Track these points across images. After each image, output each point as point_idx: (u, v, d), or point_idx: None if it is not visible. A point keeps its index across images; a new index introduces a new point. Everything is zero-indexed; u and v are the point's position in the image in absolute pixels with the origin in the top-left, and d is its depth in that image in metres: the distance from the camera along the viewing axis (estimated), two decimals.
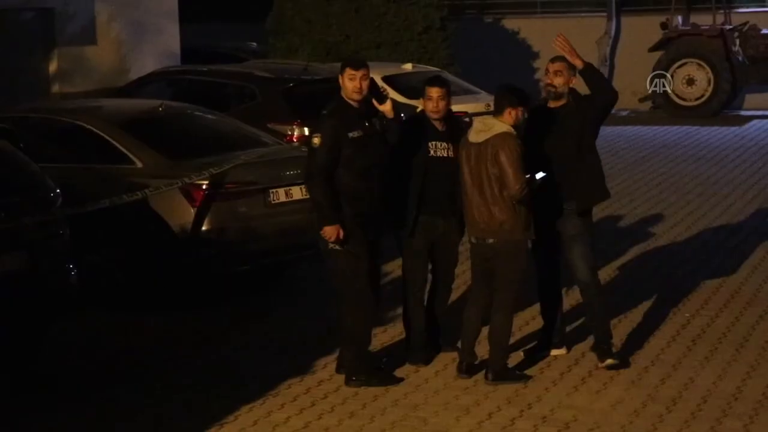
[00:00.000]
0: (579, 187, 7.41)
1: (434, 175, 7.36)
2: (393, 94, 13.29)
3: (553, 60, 7.41)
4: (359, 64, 7.15)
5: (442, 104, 7.38)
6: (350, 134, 7.02)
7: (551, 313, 7.77)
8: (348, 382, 7.20)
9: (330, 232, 7.01)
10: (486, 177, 7.05)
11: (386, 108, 7.20)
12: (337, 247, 7.05)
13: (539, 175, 7.12)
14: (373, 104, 7.20)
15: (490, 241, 7.16)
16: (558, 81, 7.32)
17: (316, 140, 7.10)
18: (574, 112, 7.37)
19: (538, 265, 7.69)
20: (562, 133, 7.34)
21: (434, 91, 7.37)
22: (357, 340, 7.22)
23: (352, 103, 7.12)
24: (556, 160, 7.31)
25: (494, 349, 7.24)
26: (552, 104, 7.41)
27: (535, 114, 7.43)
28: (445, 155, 7.38)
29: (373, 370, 7.27)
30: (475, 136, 7.15)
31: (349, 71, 7.08)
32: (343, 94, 7.15)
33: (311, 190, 7.17)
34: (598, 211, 12.58)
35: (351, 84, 7.07)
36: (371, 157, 7.11)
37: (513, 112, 7.08)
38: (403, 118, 7.59)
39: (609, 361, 7.43)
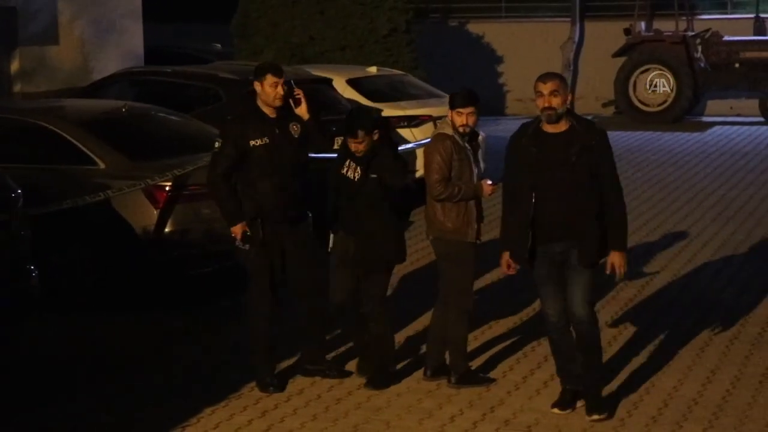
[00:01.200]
0: (588, 236, 6.50)
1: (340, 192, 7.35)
2: (357, 97, 13.44)
3: (545, 78, 6.50)
4: (281, 71, 7.15)
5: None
6: (252, 142, 7.04)
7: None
8: (259, 387, 7.24)
9: (236, 231, 7.12)
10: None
11: (302, 110, 7.21)
12: (243, 246, 7.13)
13: (494, 182, 7.18)
14: (289, 108, 7.19)
15: (430, 238, 7.28)
16: (556, 102, 6.43)
17: (216, 145, 7.21)
18: (583, 137, 6.47)
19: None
20: (568, 165, 6.44)
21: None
22: (256, 341, 7.27)
23: (266, 110, 7.13)
24: (560, 198, 6.47)
25: (452, 352, 7.25)
26: (550, 129, 6.50)
27: (534, 140, 6.52)
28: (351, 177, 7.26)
29: (269, 383, 7.22)
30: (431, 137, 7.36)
31: (271, 78, 7.08)
32: (259, 100, 7.15)
33: (212, 194, 7.30)
34: None
35: (273, 91, 7.08)
36: (278, 164, 7.08)
37: (451, 114, 7.07)
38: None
39: (596, 416, 6.68)
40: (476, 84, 20.93)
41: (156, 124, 10.14)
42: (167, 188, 8.85)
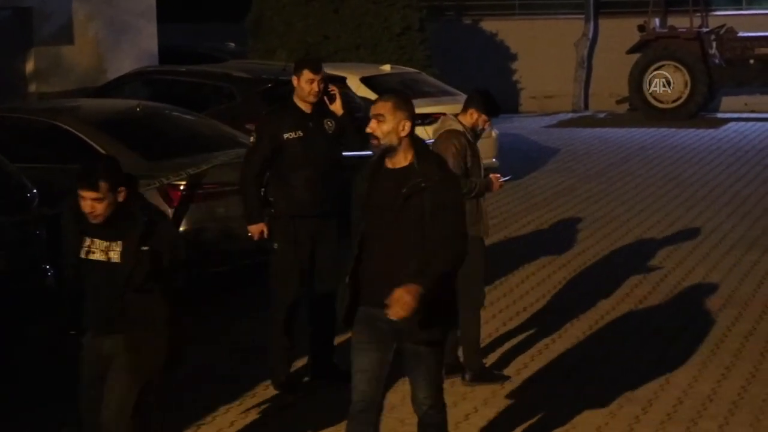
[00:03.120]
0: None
1: None
2: (371, 95, 13.45)
3: (377, 99, 5.38)
4: (318, 67, 7.14)
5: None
6: (286, 135, 7.05)
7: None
8: (274, 386, 7.22)
9: (253, 230, 7.16)
10: None
11: (336, 107, 7.22)
12: (274, 246, 7.15)
13: (505, 177, 7.18)
14: (325, 104, 7.20)
15: None
16: (382, 129, 5.21)
17: (251, 140, 7.28)
18: (417, 176, 5.19)
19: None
20: (393, 211, 5.20)
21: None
22: (275, 340, 7.23)
23: (301, 105, 7.14)
24: (382, 252, 5.23)
25: (466, 349, 7.26)
26: (389, 163, 5.29)
27: (370, 174, 5.32)
28: None
29: (285, 382, 7.18)
30: (433, 133, 7.36)
31: (308, 74, 7.09)
32: (295, 94, 7.16)
33: (240, 188, 7.29)
34: (574, 213, 12.67)
35: (309, 87, 7.08)
36: (312, 158, 7.07)
37: (475, 115, 7.12)
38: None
39: None
40: (490, 82, 20.96)
41: (170, 124, 10.17)
42: (182, 187, 8.88)
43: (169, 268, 5.38)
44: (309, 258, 7.15)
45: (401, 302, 4.96)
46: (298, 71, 7.12)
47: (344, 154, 7.44)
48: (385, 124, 5.22)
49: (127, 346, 5.31)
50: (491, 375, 7.31)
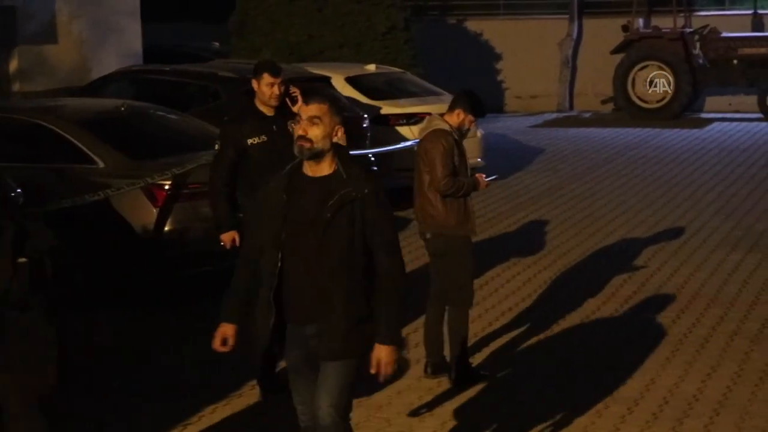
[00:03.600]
0: (334, 320, 4.91)
1: None
2: (356, 95, 13.44)
3: (308, 100, 5.07)
4: (278, 70, 7.09)
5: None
6: (249, 140, 7.02)
7: None
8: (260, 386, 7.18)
9: (225, 239, 7.10)
10: (418, 171, 7.18)
11: (297, 108, 7.06)
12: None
13: (490, 177, 7.21)
14: (287, 107, 7.13)
15: (428, 236, 7.25)
16: (315, 132, 4.88)
17: (216, 147, 7.24)
18: (346, 186, 4.86)
19: None
20: (321, 224, 4.87)
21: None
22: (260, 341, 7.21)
23: (263, 108, 7.11)
24: (308, 266, 4.91)
25: (454, 348, 7.26)
26: (309, 171, 4.94)
27: (287, 183, 4.97)
28: None
29: (265, 378, 7.13)
30: (419, 133, 7.37)
31: (267, 77, 7.04)
32: (257, 99, 7.13)
33: (209, 197, 7.25)
34: (559, 212, 12.69)
35: (269, 90, 7.04)
36: (277, 162, 6.87)
37: (461, 115, 7.12)
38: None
39: None
40: (475, 81, 20.97)
41: (155, 123, 10.14)
42: (167, 187, 8.85)
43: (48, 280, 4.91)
44: None
45: (389, 361, 4.94)
46: (257, 75, 7.09)
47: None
48: (320, 128, 4.88)
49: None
50: (477, 375, 7.31)
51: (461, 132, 7.18)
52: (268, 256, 4.94)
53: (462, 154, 7.13)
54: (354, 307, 4.89)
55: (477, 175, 7.27)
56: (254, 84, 7.14)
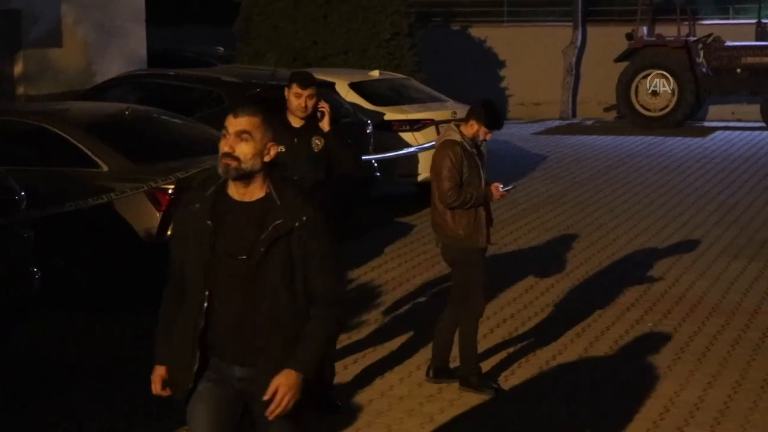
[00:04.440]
0: (266, 369, 4.29)
1: None
2: (360, 100, 13.45)
3: (237, 112, 4.29)
4: (307, 82, 6.83)
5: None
6: None
7: None
8: None
9: None
10: (432, 181, 7.18)
11: (323, 124, 6.91)
12: None
13: (507, 187, 7.17)
14: (316, 121, 6.89)
15: (439, 245, 7.28)
16: (243, 150, 4.22)
17: None
18: (281, 214, 4.25)
19: None
20: (253, 256, 4.25)
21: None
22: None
23: (291, 119, 6.86)
24: (238, 303, 4.30)
25: (462, 357, 7.26)
26: (236, 194, 4.29)
27: (211, 206, 4.30)
28: None
29: None
30: (436, 142, 7.34)
31: (295, 88, 6.82)
32: (288, 108, 6.90)
33: None
34: (562, 220, 12.69)
35: (296, 101, 6.83)
36: (294, 175, 6.76)
37: (475, 126, 7.07)
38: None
39: None
40: (477, 88, 20.96)
41: (159, 127, 10.16)
42: (170, 191, 8.87)
43: None
44: None
45: (288, 390, 4.17)
46: (288, 84, 6.88)
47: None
48: (250, 145, 4.21)
49: None
50: (481, 383, 7.25)
51: (476, 143, 7.11)
52: (193, 293, 4.29)
53: (474, 164, 7.06)
54: (291, 351, 4.23)
55: (493, 185, 7.13)
56: (286, 92, 6.89)
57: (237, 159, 4.22)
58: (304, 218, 4.24)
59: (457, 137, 7.07)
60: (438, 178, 7.04)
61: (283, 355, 4.23)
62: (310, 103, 6.82)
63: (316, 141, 6.89)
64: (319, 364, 4.29)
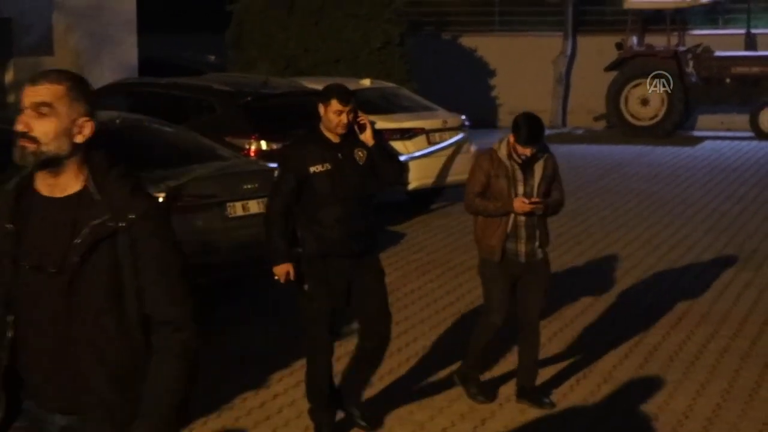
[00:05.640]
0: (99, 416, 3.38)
1: None
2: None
3: (35, 79, 3.32)
4: (348, 98, 6.44)
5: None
6: (312, 168, 6.37)
7: None
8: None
9: (278, 272, 6.50)
10: None
11: (366, 137, 6.52)
12: (305, 288, 6.48)
13: (533, 200, 6.86)
14: (355, 133, 6.52)
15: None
16: (41, 128, 3.28)
17: (275, 174, 6.67)
18: (101, 211, 3.29)
19: None
20: (64, 272, 3.27)
21: None
22: (315, 396, 6.66)
23: (328, 134, 6.46)
24: (48, 334, 3.33)
25: (468, 352, 7.25)
26: (45, 188, 3.36)
27: (15, 206, 3.37)
28: None
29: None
30: None
31: (336, 104, 6.39)
32: (322, 124, 6.48)
33: (265, 227, 6.56)
34: (551, 228, 12.69)
35: (336, 119, 6.39)
36: (342, 193, 6.41)
37: (511, 140, 6.85)
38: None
39: None
40: (468, 97, 20.99)
41: (150, 136, 10.16)
42: (161, 200, 8.87)
43: None
44: (344, 301, 6.55)
45: None
46: (325, 100, 6.43)
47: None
48: (52, 121, 3.25)
49: None
50: (475, 389, 7.24)
51: (517, 154, 6.89)
52: None
53: (504, 176, 6.88)
54: (127, 393, 3.31)
55: (519, 198, 6.88)
56: (320, 108, 6.45)
57: (35, 140, 3.24)
58: (133, 216, 3.24)
59: (497, 146, 6.99)
60: (467, 182, 7.08)
61: (116, 398, 3.29)
62: (350, 118, 6.46)
63: (359, 153, 6.54)
64: (176, 414, 3.33)
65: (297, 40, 17.82)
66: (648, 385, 7.57)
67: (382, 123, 13.23)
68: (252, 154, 11.16)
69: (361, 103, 13.59)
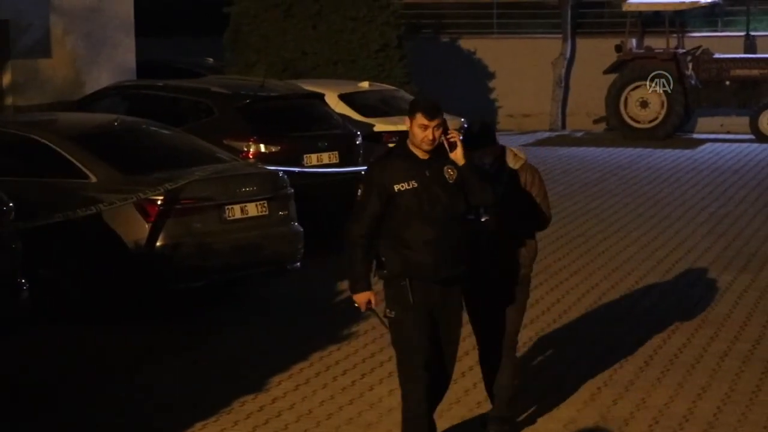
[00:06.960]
0: None
1: None
2: (349, 112, 13.46)
3: None
4: (434, 112, 5.98)
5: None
6: (397, 186, 5.96)
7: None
8: None
9: (358, 300, 6.11)
10: None
11: (456, 155, 6.08)
12: (389, 314, 6.07)
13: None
14: (443, 149, 6.08)
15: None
16: None
17: (358, 192, 6.16)
18: None
19: None
20: None
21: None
22: (406, 428, 6.17)
23: (415, 150, 6.04)
24: None
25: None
26: None
27: None
28: None
29: None
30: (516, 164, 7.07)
31: (420, 118, 5.97)
32: (409, 140, 6.07)
33: (346, 250, 6.12)
34: (551, 231, 12.68)
35: (421, 134, 5.97)
36: (430, 212, 5.98)
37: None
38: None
39: None
40: (467, 99, 20.94)
41: (148, 138, 10.15)
42: (159, 202, 8.85)
43: None
44: (432, 326, 6.07)
45: None
46: (410, 113, 6.03)
47: None
48: None
49: None
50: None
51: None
52: None
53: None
54: None
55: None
56: (407, 122, 6.07)
57: None
58: None
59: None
60: (544, 202, 7.02)
61: None
62: (438, 133, 6.01)
63: (449, 171, 6.10)
64: None
65: (295, 43, 17.80)
66: (648, 389, 7.54)
67: (381, 125, 13.21)
68: (250, 156, 11.13)
69: (360, 105, 13.74)
